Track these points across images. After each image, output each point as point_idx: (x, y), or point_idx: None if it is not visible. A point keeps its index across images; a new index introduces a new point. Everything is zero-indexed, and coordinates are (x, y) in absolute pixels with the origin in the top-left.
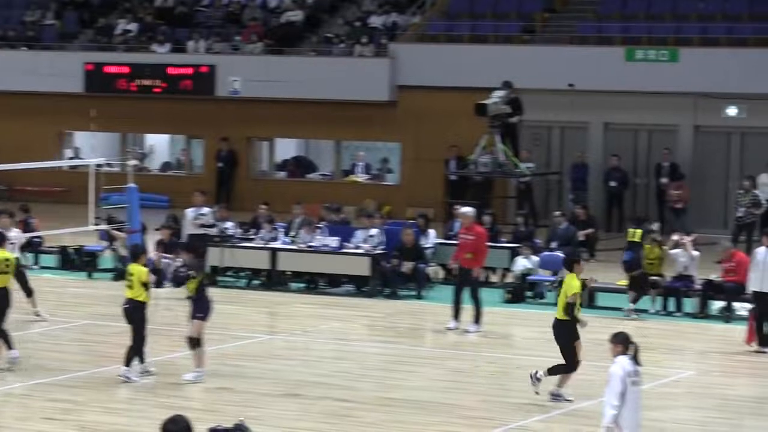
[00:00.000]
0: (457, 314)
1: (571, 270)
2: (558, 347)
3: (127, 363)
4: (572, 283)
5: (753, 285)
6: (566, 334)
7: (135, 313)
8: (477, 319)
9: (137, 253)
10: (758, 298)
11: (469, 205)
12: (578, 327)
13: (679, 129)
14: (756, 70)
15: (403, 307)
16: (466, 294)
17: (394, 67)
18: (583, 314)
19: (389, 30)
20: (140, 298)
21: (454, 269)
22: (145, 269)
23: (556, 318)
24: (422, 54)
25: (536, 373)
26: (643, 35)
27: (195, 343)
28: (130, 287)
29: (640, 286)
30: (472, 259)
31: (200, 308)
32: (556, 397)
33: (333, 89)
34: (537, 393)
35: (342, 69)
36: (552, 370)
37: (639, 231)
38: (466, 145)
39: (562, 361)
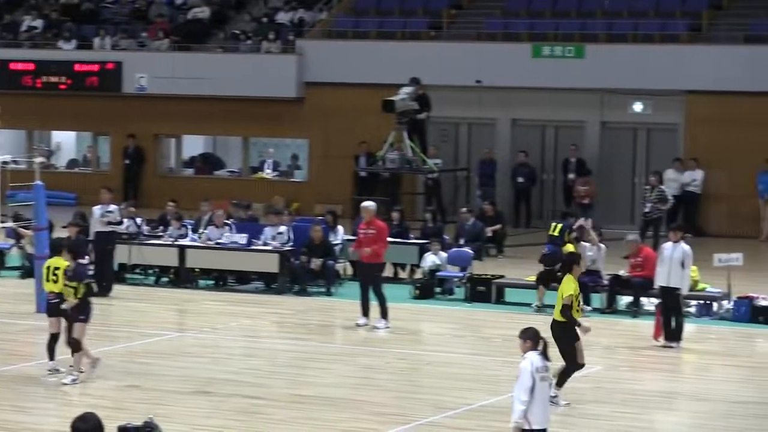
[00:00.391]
0: (365, 311)
1: (570, 271)
2: (558, 349)
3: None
4: (569, 285)
5: (660, 280)
6: (564, 335)
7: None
8: (384, 314)
9: (58, 246)
10: (665, 293)
11: (377, 201)
12: (578, 330)
13: (586, 125)
14: (661, 67)
15: (313, 304)
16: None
17: (301, 64)
18: (585, 318)
19: (296, 26)
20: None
21: (359, 260)
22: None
23: (553, 319)
24: (329, 50)
25: (555, 397)
26: (550, 32)
27: (77, 345)
28: (55, 282)
29: (546, 281)
30: (373, 254)
31: (83, 311)
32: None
33: (240, 86)
34: (567, 404)
35: (249, 66)
36: (560, 382)
37: (559, 225)
38: (375, 142)
39: (562, 365)
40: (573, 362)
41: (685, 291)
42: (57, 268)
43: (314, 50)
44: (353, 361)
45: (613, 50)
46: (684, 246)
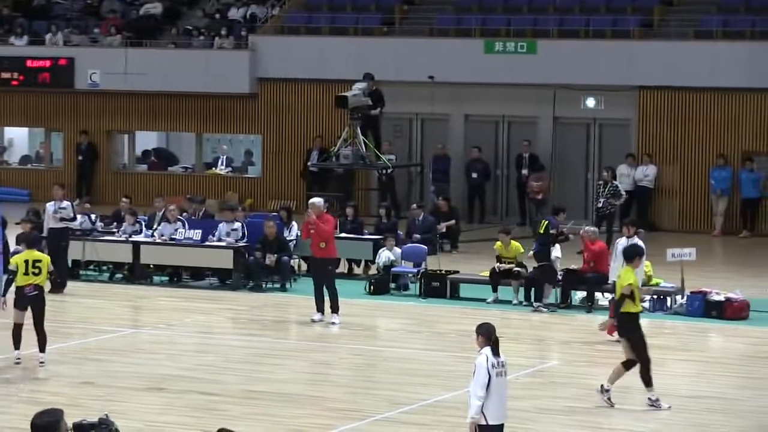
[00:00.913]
0: (320, 307)
1: (631, 262)
2: (629, 343)
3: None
4: (626, 276)
5: (614, 275)
6: (632, 327)
7: (44, 299)
8: (335, 309)
9: (35, 240)
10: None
11: (331, 198)
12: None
13: (539, 120)
14: (613, 62)
15: (267, 300)
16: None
17: (254, 60)
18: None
19: (249, 22)
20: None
21: (312, 256)
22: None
23: (621, 313)
24: (282, 46)
25: (656, 401)
26: (502, 27)
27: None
28: (37, 274)
29: (548, 276)
30: (326, 249)
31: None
32: (654, 402)
33: (193, 82)
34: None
35: (202, 61)
36: (647, 382)
37: (546, 222)
38: (329, 138)
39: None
40: (646, 354)
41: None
42: (38, 261)
43: (267, 46)
44: (308, 357)
45: (565, 46)
46: (638, 241)
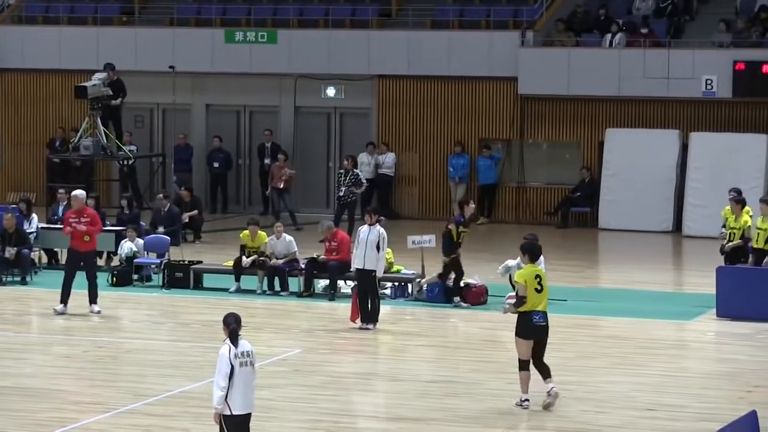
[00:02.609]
0: (65, 298)
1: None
2: None
3: None
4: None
5: (356, 263)
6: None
7: None
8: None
9: None
10: (361, 275)
11: (72, 188)
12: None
13: (280, 110)
14: (353, 51)
15: (8, 294)
16: (80, 277)
17: None
18: None
19: None
20: None
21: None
22: None
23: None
24: (20, 36)
25: None
26: (242, 17)
27: None
28: None
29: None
30: (90, 242)
31: None
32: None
33: None
34: None
35: None
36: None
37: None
38: (70, 128)
39: None
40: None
41: (380, 273)
42: None
43: (4, 35)
44: (51, 351)
45: (305, 35)
46: (379, 229)
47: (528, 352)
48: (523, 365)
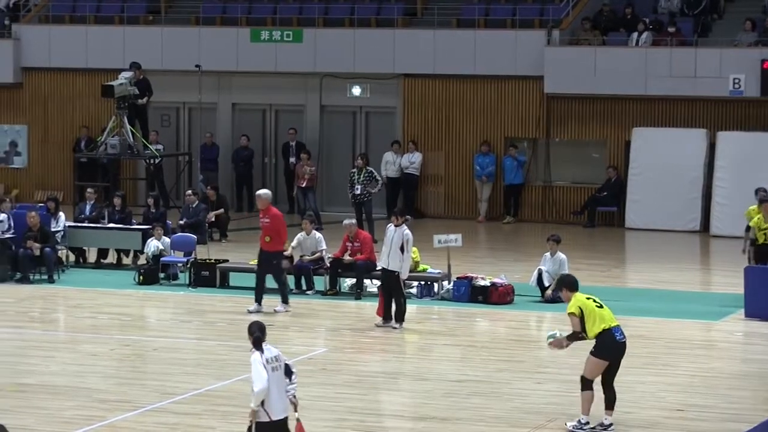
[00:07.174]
0: (259, 298)
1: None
2: None
3: None
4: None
5: (381, 262)
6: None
7: None
8: (285, 299)
9: None
10: (385, 275)
11: (99, 188)
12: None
13: (306, 109)
14: (378, 50)
15: (35, 292)
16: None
17: (18, 49)
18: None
19: (12, 11)
20: None
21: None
22: None
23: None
24: (47, 35)
25: None
26: (268, 16)
27: None
28: None
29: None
30: (272, 242)
31: None
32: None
33: None
34: None
35: None
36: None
37: None
38: (96, 127)
39: None
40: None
41: (404, 275)
42: None
43: (31, 35)
44: (77, 349)
45: (330, 34)
46: (405, 230)
47: (599, 373)
48: (587, 385)
